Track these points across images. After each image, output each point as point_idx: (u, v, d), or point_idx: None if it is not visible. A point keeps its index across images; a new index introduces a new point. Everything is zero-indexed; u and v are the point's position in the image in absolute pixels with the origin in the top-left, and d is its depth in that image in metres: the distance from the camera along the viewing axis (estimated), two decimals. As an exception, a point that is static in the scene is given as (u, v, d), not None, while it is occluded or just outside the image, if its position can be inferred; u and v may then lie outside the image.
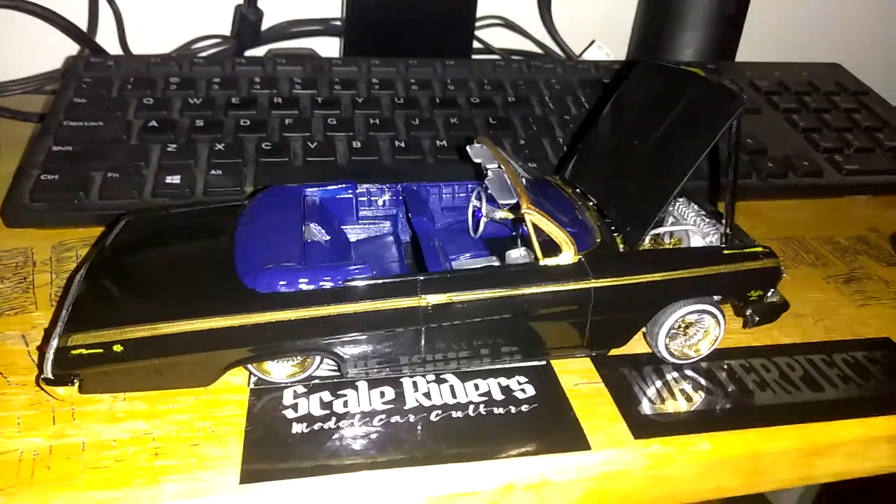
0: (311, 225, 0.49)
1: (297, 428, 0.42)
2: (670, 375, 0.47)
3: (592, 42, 0.98)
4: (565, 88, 0.79)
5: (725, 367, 0.48)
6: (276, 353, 0.42)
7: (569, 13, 1.00)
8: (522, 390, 0.45)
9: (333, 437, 0.41)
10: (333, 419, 0.42)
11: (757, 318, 0.48)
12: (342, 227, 0.54)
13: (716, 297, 0.48)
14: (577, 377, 0.47)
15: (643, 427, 0.43)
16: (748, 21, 0.95)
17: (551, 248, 0.44)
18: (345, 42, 0.89)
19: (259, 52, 0.91)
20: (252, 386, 0.44)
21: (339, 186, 0.53)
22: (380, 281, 0.43)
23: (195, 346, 0.41)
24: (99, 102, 0.69)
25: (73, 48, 0.85)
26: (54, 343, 0.40)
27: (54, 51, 0.85)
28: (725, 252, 0.47)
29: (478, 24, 0.93)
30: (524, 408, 0.44)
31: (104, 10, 0.86)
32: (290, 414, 0.43)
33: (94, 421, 0.41)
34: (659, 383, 0.47)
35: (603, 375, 0.47)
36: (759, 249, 0.48)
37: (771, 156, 0.72)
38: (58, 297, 0.51)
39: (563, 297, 0.44)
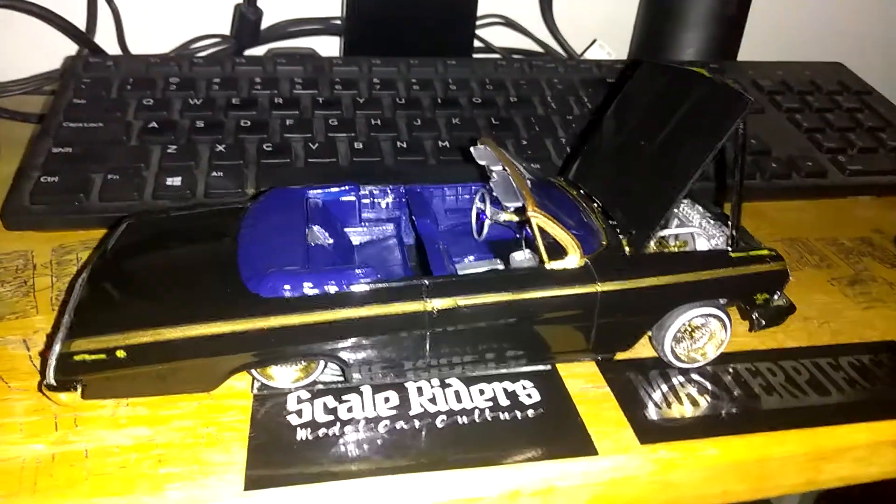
0: (315, 228, 0.49)
1: (301, 434, 0.41)
2: (676, 380, 0.47)
3: (594, 41, 0.98)
4: (567, 88, 0.79)
5: (731, 370, 0.48)
6: (281, 358, 0.42)
7: (570, 12, 1.00)
8: (528, 395, 0.45)
9: (338, 442, 0.41)
10: (338, 425, 0.42)
11: (763, 322, 0.48)
12: (345, 229, 0.53)
13: (721, 301, 0.47)
14: (583, 381, 0.47)
15: (649, 432, 0.43)
16: (749, 20, 0.95)
17: (556, 251, 0.44)
18: (345, 41, 0.89)
19: (259, 51, 0.91)
20: (255, 391, 0.44)
21: (342, 188, 0.53)
22: (384, 285, 0.42)
23: (199, 351, 0.40)
24: (98, 103, 0.68)
25: (71, 48, 0.85)
26: (57, 349, 0.39)
27: (53, 51, 0.85)
28: (732, 255, 0.47)
29: (478, 22, 0.93)
30: (530, 413, 0.44)
31: (102, 10, 0.86)
32: (294, 420, 0.42)
33: (97, 427, 0.41)
34: (665, 388, 0.46)
35: (609, 380, 0.47)
36: (766, 252, 0.47)
37: (774, 156, 0.71)
38: (59, 301, 0.50)
39: (568, 300, 0.43)
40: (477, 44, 0.94)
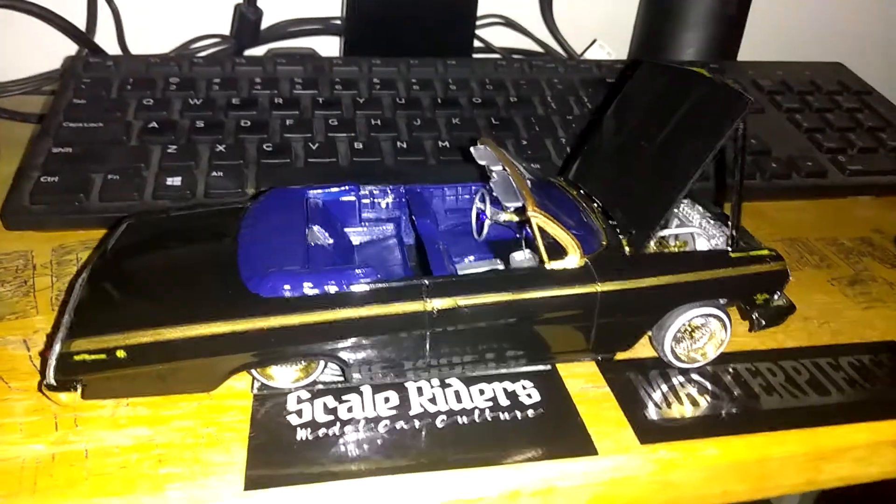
0: (315, 228, 0.49)
1: (301, 434, 0.41)
2: (676, 380, 0.47)
3: (594, 41, 0.98)
4: (567, 88, 0.79)
5: (731, 370, 0.48)
6: (281, 358, 0.42)
7: (570, 12, 1.00)
8: (528, 395, 0.45)
9: (338, 442, 0.41)
10: (338, 425, 0.42)
11: (763, 322, 0.48)
12: (345, 229, 0.53)
13: (721, 301, 0.47)
14: (583, 381, 0.47)
15: (650, 432, 0.43)
16: (749, 20, 0.95)
17: (557, 251, 0.44)
18: (345, 41, 0.89)
19: (258, 51, 0.91)
20: (255, 391, 0.44)
21: (342, 188, 0.53)
22: (385, 285, 0.42)
23: (199, 351, 0.40)
24: (98, 103, 0.68)
25: (71, 48, 0.84)
26: (57, 349, 0.39)
27: (52, 51, 0.85)
28: (732, 255, 0.47)
29: (478, 22, 0.93)
30: (530, 413, 0.44)
31: (102, 10, 0.86)
32: (294, 420, 0.42)
33: (97, 427, 0.41)
34: (665, 388, 0.46)
35: (609, 380, 0.47)
36: (766, 252, 0.47)
37: (774, 156, 0.71)
38: (59, 301, 0.50)
39: (569, 300, 0.43)
40: (477, 44, 0.94)
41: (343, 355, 0.42)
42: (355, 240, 0.54)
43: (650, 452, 0.42)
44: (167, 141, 0.64)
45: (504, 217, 0.49)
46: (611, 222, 0.48)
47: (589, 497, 0.41)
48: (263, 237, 0.46)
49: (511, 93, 0.77)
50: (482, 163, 0.50)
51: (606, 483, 0.41)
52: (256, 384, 0.44)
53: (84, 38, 0.82)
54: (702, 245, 0.50)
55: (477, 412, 0.44)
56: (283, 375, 0.44)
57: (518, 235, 0.54)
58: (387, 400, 0.44)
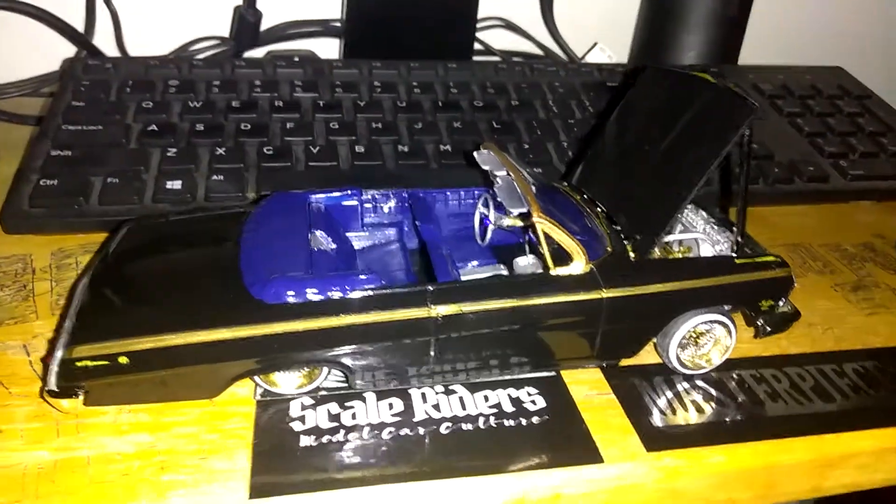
0: (317, 232, 0.49)
1: (305, 441, 0.41)
2: (682, 386, 0.47)
3: (595, 44, 0.98)
4: (569, 91, 0.78)
5: (736, 377, 0.48)
6: (284, 365, 0.42)
7: (570, 14, 1.00)
8: (533, 402, 0.45)
9: (342, 449, 0.41)
10: (342, 432, 0.42)
11: (769, 328, 0.48)
12: (347, 234, 0.53)
13: (726, 307, 0.47)
14: (588, 388, 0.46)
15: (656, 439, 0.43)
16: (750, 22, 0.95)
17: (561, 256, 0.44)
18: (345, 43, 0.89)
19: (257, 53, 0.90)
20: (258, 397, 0.44)
21: (345, 193, 0.53)
22: (389, 291, 0.42)
23: (202, 357, 0.40)
24: (97, 106, 0.68)
25: (69, 50, 0.84)
26: (59, 355, 0.39)
27: (50, 53, 0.84)
28: (737, 262, 0.47)
29: (478, 25, 0.92)
30: (535, 420, 0.44)
31: (100, 12, 0.85)
32: (297, 426, 0.42)
33: (99, 434, 0.41)
34: (670, 394, 0.46)
35: (614, 386, 0.46)
36: (771, 259, 0.47)
37: (777, 161, 0.71)
38: (59, 306, 0.50)
39: (574, 307, 0.43)
40: (477, 46, 0.93)
41: (347, 361, 0.42)
42: (357, 244, 0.54)
43: (656, 460, 0.42)
44: (167, 144, 0.64)
45: (507, 222, 0.49)
46: (615, 228, 0.48)
47: (596, 505, 0.41)
48: (266, 242, 0.46)
49: (512, 96, 0.76)
50: (486, 168, 0.50)
51: (613, 491, 0.41)
52: (259, 390, 0.44)
53: (82, 39, 0.82)
54: (706, 250, 0.50)
55: (481, 419, 0.43)
56: (286, 382, 0.43)
57: (521, 240, 0.54)
58: (391, 406, 0.44)
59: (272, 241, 0.46)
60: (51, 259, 0.55)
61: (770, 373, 0.49)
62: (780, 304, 0.48)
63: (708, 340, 0.47)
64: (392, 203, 0.54)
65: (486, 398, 0.45)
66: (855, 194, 0.71)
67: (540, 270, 0.45)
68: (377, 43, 0.87)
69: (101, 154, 0.62)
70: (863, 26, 1.15)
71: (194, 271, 0.45)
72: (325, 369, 0.43)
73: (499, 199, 0.47)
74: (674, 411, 0.45)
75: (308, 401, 0.44)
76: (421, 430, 0.42)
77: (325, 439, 0.41)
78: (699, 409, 0.45)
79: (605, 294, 0.43)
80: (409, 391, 0.45)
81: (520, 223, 0.48)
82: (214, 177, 0.61)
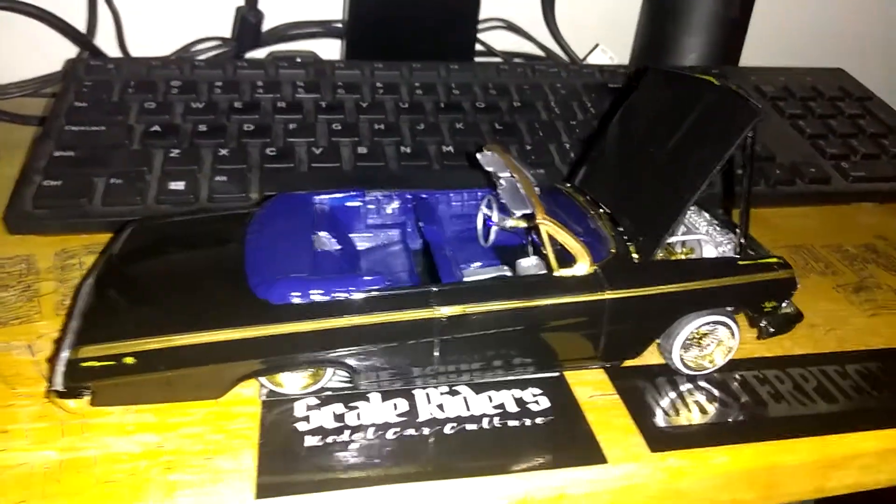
0: (321, 234, 0.49)
1: (310, 441, 0.41)
2: (685, 387, 0.47)
3: (596, 45, 0.98)
4: (570, 93, 0.79)
5: (740, 378, 0.48)
6: (289, 365, 0.42)
7: (571, 15, 1.00)
8: (536, 402, 0.45)
9: (347, 450, 0.41)
10: (347, 432, 0.42)
11: (772, 329, 0.48)
12: (350, 235, 0.53)
13: (729, 308, 0.47)
14: (591, 389, 0.46)
15: (660, 440, 0.43)
16: (751, 24, 0.95)
17: (565, 258, 0.44)
18: (346, 44, 0.89)
19: (259, 54, 0.90)
20: (264, 398, 0.44)
21: (348, 194, 0.53)
22: (393, 292, 0.42)
23: (208, 358, 0.40)
24: (100, 106, 0.68)
25: (70, 50, 0.84)
26: (65, 355, 0.39)
27: (52, 53, 0.84)
28: (740, 263, 0.47)
29: (480, 26, 0.93)
30: (539, 420, 0.44)
31: (102, 12, 0.85)
32: (303, 426, 0.42)
33: (104, 434, 0.41)
34: (674, 395, 0.46)
35: (617, 387, 0.46)
36: (774, 260, 0.47)
37: (778, 162, 0.72)
38: (63, 306, 0.50)
39: (578, 308, 0.43)
40: (478, 47, 0.93)
41: (351, 362, 0.42)
42: (361, 245, 0.54)
43: (660, 461, 0.42)
44: (170, 145, 0.64)
45: (510, 223, 0.49)
46: (618, 229, 0.48)
47: (600, 505, 0.41)
48: (270, 243, 0.46)
49: (514, 97, 0.77)
50: (489, 169, 0.50)
51: (617, 491, 0.41)
52: (264, 391, 0.44)
53: (84, 40, 0.82)
54: (709, 252, 0.50)
55: (486, 419, 0.44)
56: (291, 382, 0.43)
57: (524, 241, 0.54)
58: (395, 406, 0.44)
59: (276, 242, 0.46)
60: (54, 259, 0.55)
61: (773, 374, 0.49)
62: (783, 305, 0.48)
63: (711, 341, 0.47)
64: (395, 204, 0.54)
65: (491, 399, 0.45)
66: (856, 196, 0.72)
67: (543, 271, 0.45)
68: (379, 44, 0.87)
69: (104, 155, 0.62)
70: (863, 27, 1.15)
71: (199, 272, 0.45)
72: (330, 370, 0.44)
73: (502, 201, 0.47)
74: (677, 412, 0.45)
75: (313, 401, 0.44)
76: (425, 431, 0.43)
77: (330, 439, 0.41)
78: (703, 410, 0.45)
79: (609, 295, 0.43)
80: (414, 392, 0.45)
81: (523, 224, 0.48)
82: (217, 178, 0.61)
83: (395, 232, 0.54)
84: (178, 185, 0.59)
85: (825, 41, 1.13)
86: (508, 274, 0.48)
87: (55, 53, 0.84)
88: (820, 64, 0.92)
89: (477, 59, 0.92)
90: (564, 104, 0.76)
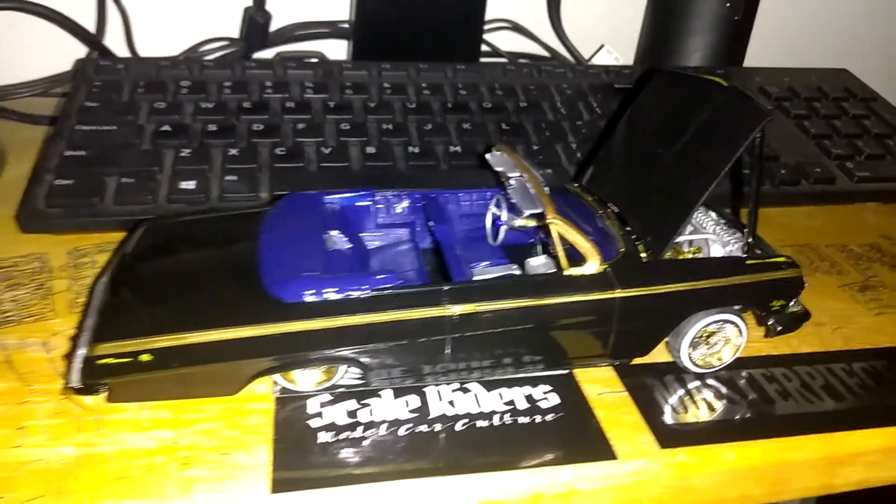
0: (333, 233, 0.49)
1: (323, 437, 0.42)
2: (693, 385, 0.48)
3: (601, 46, 0.99)
4: (576, 93, 0.79)
5: (747, 376, 0.48)
6: (303, 363, 0.42)
7: (577, 17, 1.00)
8: (546, 399, 0.45)
9: (360, 446, 0.41)
10: (360, 428, 0.42)
11: (779, 328, 0.49)
12: (361, 234, 0.54)
13: (737, 306, 0.48)
14: (600, 386, 0.47)
15: (669, 437, 0.43)
16: (755, 25, 0.96)
17: (574, 257, 0.44)
18: (354, 45, 0.89)
19: (266, 54, 0.91)
20: (277, 394, 0.44)
21: (358, 193, 0.53)
22: (405, 290, 0.43)
23: (223, 355, 0.41)
24: (110, 106, 0.68)
25: (78, 50, 0.84)
26: (82, 352, 0.40)
27: (61, 53, 0.84)
28: (749, 262, 0.47)
29: (485, 27, 0.93)
30: (549, 417, 0.44)
31: (110, 12, 0.86)
32: (315, 423, 0.43)
33: (120, 430, 0.41)
34: (682, 393, 0.47)
35: (626, 385, 0.47)
36: (782, 259, 0.48)
37: (783, 162, 0.72)
38: (77, 304, 0.50)
39: (588, 306, 0.44)
40: (484, 48, 0.94)
41: (364, 359, 0.43)
42: (371, 245, 0.54)
43: (670, 457, 0.42)
44: (180, 144, 0.64)
45: (519, 222, 0.50)
46: (626, 229, 0.48)
47: (611, 501, 0.42)
48: (283, 242, 0.46)
49: (520, 98, 0.77)
50: (499, 169, 0.50)
51: (627, 487, 0.42)
52: (277, 388, 0.44)
53: (93, 40, 0.83)
54: (716, 251, 0.50)
55: (496, 416, 0.44)
56: (305, 379, 0.44)
57: (533, 240, 0.55)
58: (407, 403, 0.44)
59: (289, 242, 0.47)
60: (67, 258, 0.55)
61: (780, 371, 0.49)
62: (791, 304, 0.49)
63: (719, 339, 0.48)
64: (405, 204, 0.54)
65: (501, 396, 0.45)
66: (861, 196, 0.72)
67: (552, 270, 0.45)
68: (385, 44, 0.87)
69: (115, 154, 0.62)
70: (868, 28, 1.15)
71: (213, 271, 0.46)
72: (343, 367, 0.44)
73: (512, 200, 0.47)
74: (686, 409, 0.46)
75: (325, 398, 0.44)
76: (437, 427, 0.43)
77: (343, 436, 0.42)
78: (711, 408, 0.46)
79: (619, 294, 0.44)
80: (425, 389, 0.45)
81: (533, 224, 0.48)
82: (228, 177, 0.61)
83: (405, 231, 0.55)
84: (188, 185, 0.60)
85: (830, 42, 1.13)
86: (518, 273, 0.48)
87: (64, 53, 0.84)
88: (824, 64, 0.92)
89: (483, 60, 0.92)
90: (570, 104, 0.77)
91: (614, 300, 0.44)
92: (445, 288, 0.43)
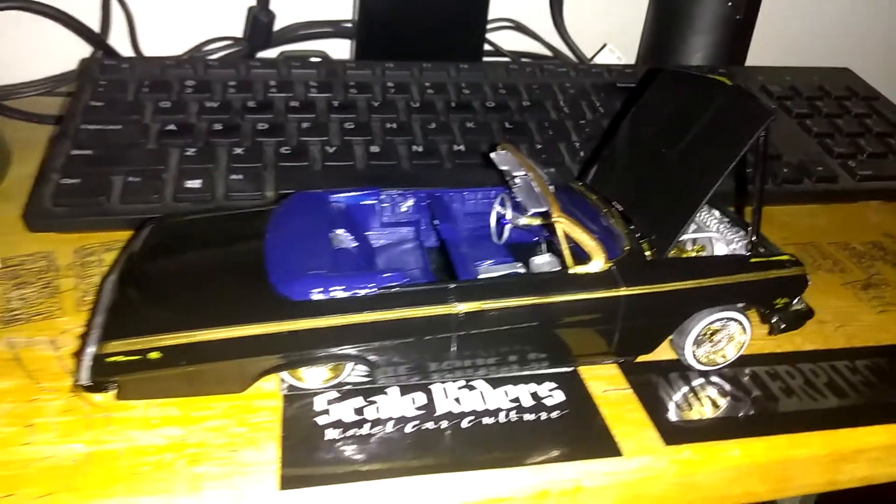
0: (339, 231, 0.50)
1: (331, 434, 0.42)
2: (697, 382, 0.48)
3: (604, 45, 0.99)
4: (579, 92, 0.79)
5: (751, 373, 0.49)
6: (311, 361, 0.43)
7: (579, 16, 1.00)
8: (551, 396, 0.46)
9: (367, 442, 0.42)
10: (367, 425, 0.43)
11: (783, 326, 0.49)
12: (366, 233, 0.54)
13: (740, 304, 0.48)
14: (605, 384, 0.47)
15: (674, 434, 0.44)
16: (757, 24, 0.96)
17: (579, 255, 0.44)
18: (357, 44, 0.89)
19: (270, 53, 0.91)
20: (284, 392, 0.44)
21: (364, 192, 0.53)
22: (412, 289, 0.43)
23: (232, 353, 0.41)
24: (115, 106, 0.68)
25: (82, 49, 0.85)
26: (91, 350, 0.40)
27: (64, 52, 0.85)
28: (752, 260, 0.47)
29: (488, 26, 0.93)
30: (554, 414, 0.45)
31: (114, 12, 0.86)
32: (323, 420, 0.43)
33: (130, 427, 0.41)
34: (687, 390, 0.47)
35: (631, 382, 0.47)
36: (786, 258, 0.48)
37: (786, 161, 0.72)
38: (84, 303, 0.51)
39: (594, 304, 0.44)
40: (486, 47, 0.94)
41: (371, 357, 0.43)
42: (377, 243, 0.54)
43: (675, 453, 0.43)
44: (185, 143, 0.65)
45: (523, 221, 0.50)
46: (630, 227, 0.49)
47: (616, 497, 0.42)
48: (289, 241, 0.47)
49: (523, 97, 0.77)
50: (504, 168, 0.51)
51: (632, 483, 0.42)
52: (285, 385, 0.45)
53: (98, 39, 0.83)
54: (720, 249, 0.51)
55: (502, 413, 0.44)
56: (312, 377, 0.44)
57: (536, 239, 0.55)
58: (413, 401, 0.45)
59: (296, 240, 0.47)
60: (74, 256, 0.56)
61: (784, 369, 0.49)
62: (795, 302, 0.49)
63: (723, 337, 0.48)
64: (410, 202, 0.54)
65: (507, 393, 0.46)
66: (864, 194, 0.72)
67: (556, 268, 0.46)
68: (388, 44, 0.88)
69: (121, 153, 0.62)
70: (869, 27, 1.16)
71: (221, 269, 0.46)
72: (350, 365, 0.44)
73: (517, 199, 0.48)
74: (690, 406, 0.46)
75: (333, 395, 0.45)
76: (443, 424, 0.43)
77: (350, 433, 0.42)
78: (715, 405, 0.46)
79: (625, 292, 0.44)
80: (431, 386, 0.46)
81: (537, 222, 0.49)
82: (233, 176, 0.61)
83: (410, 230, 0.55)
84: (194, 184, 0.60)
85: (831, 41, 1.14)
86: (522, 271, 0.48)
87: (68, 53, 0.84)
88: (826, 63, 0.93)
89: (485, 59, 0.93)
90: (573, 103, 0.77)
91: (619, 298, 0.44)
92: (451, 286, 0.43)
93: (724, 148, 0.45)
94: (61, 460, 0.39)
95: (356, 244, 0.50)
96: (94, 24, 0.84)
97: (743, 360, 0.49)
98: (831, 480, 0.46)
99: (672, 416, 0.45)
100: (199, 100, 0.70)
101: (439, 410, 0.44)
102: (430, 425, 0.43)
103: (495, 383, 0.46)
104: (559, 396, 0.46)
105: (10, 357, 0.46)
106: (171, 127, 0.66)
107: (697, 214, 0.53)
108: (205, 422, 0.42)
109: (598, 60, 0.99)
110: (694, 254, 0.52)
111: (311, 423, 0.43)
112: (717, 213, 0.53)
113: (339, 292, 0.42)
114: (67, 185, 0.58)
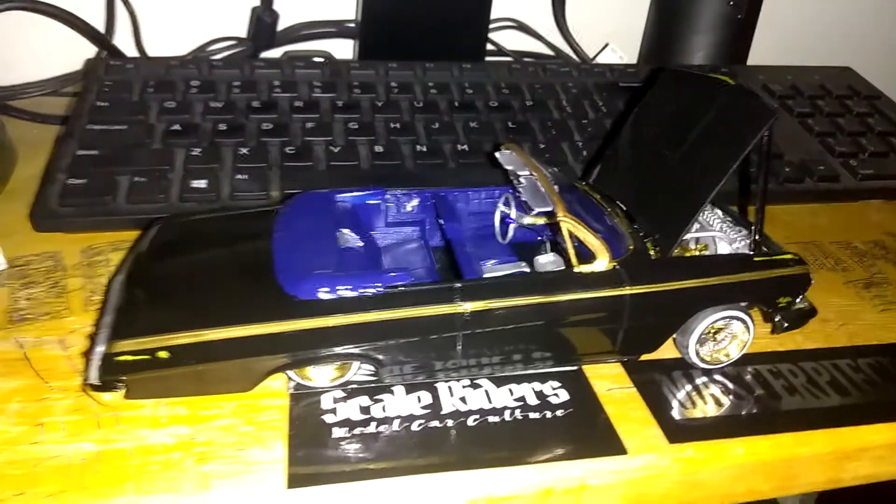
0: (345, 231, 0.50)
1: (338, 432, 0.42)
2: (701, 380, 0.48)
3: (606, 45, 0.99)
4: (582, 92, 0.79)
5: (754, 372, 0.49)
6: (318, 360, 0.43)
7: (581, 16, 1.01)
8: (556, 395, 0.46)
9: (374, 441, 0.42)
10: (374, 424, 0.43)
11: (786, 324, 0.49)
12: (371, 232, 0.54)
13: (744, 303, 0.48)
14: (609, 382, 0.47)
15: (678, 432, 0.44)
16: (758, 23, 0.96)
17: (584, 254, 0.45)
18: (360, 44, 0.90)
19: (274, 53, 0.91)
20: (291, 391, 0.45)
21: (369, 192, 0.54)
22: (418, 288, 0.43)
23: (239, 352, 0.41)
24: (121, 106, 0.69)
25: (87, 49, 0.85)
26: (100, 350, 0.40)
27: (69, 52, 0.85)
28: (756, 259, 0.48)
29: (491, 26, 0.94)
30: (559, 413, 0.45)
31: (119, 12, 0.86)
32: (330, 418, 0.43)
33: (138, 426, 0.42)
34: (690, 388, 0.47)
35: (635, 381, 0.48)
36: (789, 256, 0.48)
37: (787, 160, 0.73)
38: (92, 302, 0.51)
39: (598, 303, 0.44)
40: (489, 47, 0.94)
41: (377, 356, 0.43)
42: (382, 242, 0.55)
43: (679, 452, 0.43)
44: (190, 143, 0.65)
45: (527, 220, 0.50)
46: (635, 227, 0.49)
47: (620, 495, 0.42)
48: (296, 240, 0.47)
49: (526, 96, 0.77)
50: (509, 168, 0.51)
51: (637, 482, 0.42)
52: (292, 384, 0.45)
53: (102, 39, 0.83)
54: (723, 248, 0.51)
55: (507, 412, 0.45)
56: (319, 376, 0.44)
57: (541, 238, 0.55)
58: (419, 399, 0.45)
59: (302, 240, 0.47)
60: (81, 256, 0.56)
61: (787, 367, 0.50)
62: (797, 300, 0.49)
63: (726, 336, 0.49)
64: (415, 202, 0.55)
65: (511, 392, 0.46)
66: (865, 193, 0.73)
67: (561, 268, 0.46)
68: (391, 44, 0.88)
69: (126, 153, 0.63)
70: (871, 26, 1.16)
71: (228, 268, 0.46)
72: (356, 364, 0.45)
73: (522, 199, 0.48)
74: (694, 405, 0.46)
75: (339, 394, 0.45)
76: (449, 423, 0.44)
77: (357, 431, 0.43)
78: (718, 403, 0.47)
79: (629, 291, 0.44)
80: (437, 385, 0.46)
81: (542, 221, 0.49)
82: (238, 176, 0.62)
83: (415, 229, 0.56)
84: (200, 183, 0.60)
85: (833, 40, 1.14)
86: (527, 270, 0.49)
87: (73, 53, 0.85)
88: (828, 63, 0.93)
89: (488, 59, 0.93)
90: (576, 103, 0.77)
91: (624, 297, 0.44)
92: (457, 285, 0.43)
93: (727, 147, 0.46)
94: (70, 459, 0.40)
95: (362, 244, 0.50)
96: (99, 25, 0.84)
97: (746, 359, 0.49)
98: (835, 478, 0.46)
99: (676, 414, 0.45)
100: (204, 100, 0.71)
101: (445, 409, 0.45)
102: (436, 424, 0.44)
103: (500, 382, 0.47)
104: (564, 395, 0.46)
105: (18, 356, 0.46)
106: (177, 127, 0.66)
107: (701, 214, 0.53)
108: (213, 420, 0.43)
109: (601, 60, 1.00)
110: (697, 253, 0.52)
111: (319, 421, 0.43)
112: (719, 212, 0.53)
113: (345, 291, 0.42)
114: (74, 186, 0.59)
